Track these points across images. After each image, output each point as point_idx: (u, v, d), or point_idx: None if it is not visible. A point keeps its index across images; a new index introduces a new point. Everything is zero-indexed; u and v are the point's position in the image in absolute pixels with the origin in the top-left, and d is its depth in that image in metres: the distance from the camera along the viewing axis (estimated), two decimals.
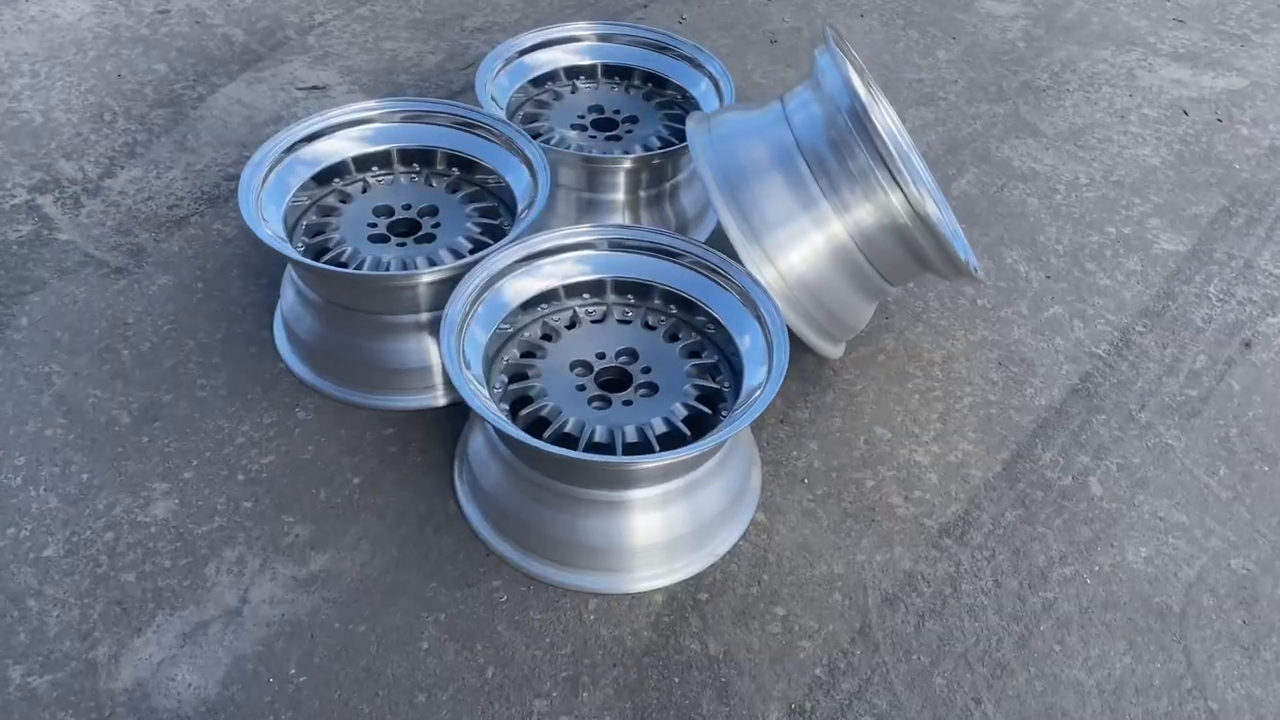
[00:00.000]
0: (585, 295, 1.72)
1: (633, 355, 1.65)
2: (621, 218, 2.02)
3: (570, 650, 1.46)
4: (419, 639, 1.47)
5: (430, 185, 1.93)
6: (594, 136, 2.09)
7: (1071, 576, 1.58)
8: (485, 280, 1.61)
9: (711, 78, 2.14)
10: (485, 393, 1.51)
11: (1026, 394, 1.87)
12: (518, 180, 1.85)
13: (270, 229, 1.69)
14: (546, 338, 1.68)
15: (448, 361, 1.46)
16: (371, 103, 1.92)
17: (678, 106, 2.17)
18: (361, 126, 1.91)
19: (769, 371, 1.51)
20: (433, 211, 1.86)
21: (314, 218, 1.85)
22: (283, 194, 1.81)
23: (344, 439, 1.72)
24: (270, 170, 1.79)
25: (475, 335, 1.58)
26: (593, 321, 1.71)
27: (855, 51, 1.91)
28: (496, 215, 1.88)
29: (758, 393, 1.48)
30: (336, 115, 1.89)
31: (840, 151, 1.58)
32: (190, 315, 1.92)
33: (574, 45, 2.21)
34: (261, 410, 1.76)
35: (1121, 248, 2.20)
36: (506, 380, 1.61)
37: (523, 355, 1.65)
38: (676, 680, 1.44)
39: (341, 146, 1.89)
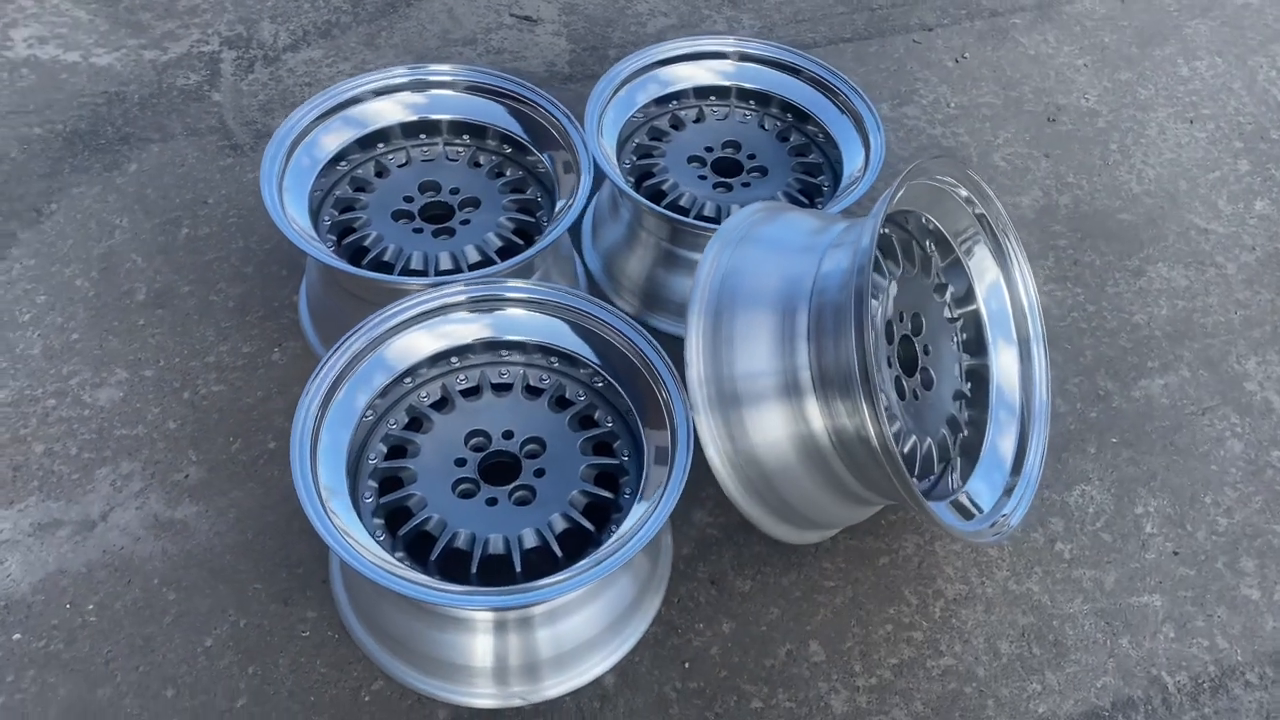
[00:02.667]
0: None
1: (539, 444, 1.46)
2: None
3: (326, 718, 1.36)
4: (207, 634, 1.42)
5: (477, 164, 1.81)
6: (705, 178, 1.82)
7: None
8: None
9: (858, 122, 1.80)
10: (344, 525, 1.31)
11: (1027, 691, 1.43)
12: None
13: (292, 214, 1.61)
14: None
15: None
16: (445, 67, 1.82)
17: (815, 150, 1.87)
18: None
19: (666, 481, 1.29)
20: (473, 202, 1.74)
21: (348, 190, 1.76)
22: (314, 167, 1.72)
23: (293, 396, 1.68)
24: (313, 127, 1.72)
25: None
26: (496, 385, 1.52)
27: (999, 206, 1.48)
28: (534, 210, 1.74)
29: (638, 532, 1.25)
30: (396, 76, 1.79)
31: (838, 323, 1.23)
32: (259, 217, 1.94)
33: (714, 63, 1.93)
34: (248, 337, 1.76)
35: None
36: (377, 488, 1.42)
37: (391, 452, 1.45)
38: None
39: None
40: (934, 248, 1.51)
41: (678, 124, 1.91)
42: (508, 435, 1.45)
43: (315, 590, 1.47)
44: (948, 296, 1.52)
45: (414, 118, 1.79)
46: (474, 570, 1.31)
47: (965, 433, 1.50)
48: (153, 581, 1.47)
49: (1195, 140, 2.26)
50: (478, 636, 1.35)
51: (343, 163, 1.75)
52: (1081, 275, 1.96)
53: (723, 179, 1.82)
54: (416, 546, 1.35)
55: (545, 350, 1.51)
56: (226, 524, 1.53)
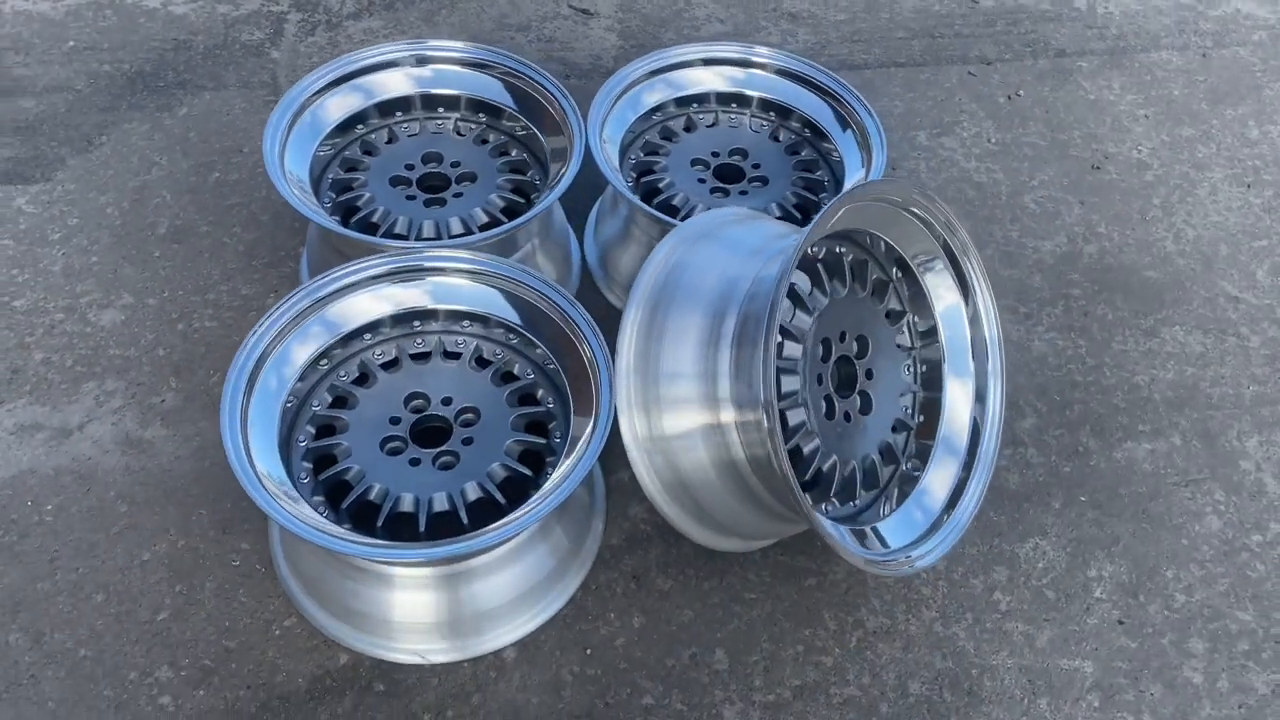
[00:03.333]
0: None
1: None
2: None
3: (233, 645, 1.42)
4: (145, 548, 1.51)
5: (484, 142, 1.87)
6: (704, 182, 1.83)
7: None
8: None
9: (863, 138, 1.79)
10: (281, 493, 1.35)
11: None
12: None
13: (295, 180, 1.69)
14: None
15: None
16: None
17: (823, 167, 1.86)
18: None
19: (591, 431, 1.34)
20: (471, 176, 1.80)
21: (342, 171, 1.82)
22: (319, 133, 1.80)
23: None
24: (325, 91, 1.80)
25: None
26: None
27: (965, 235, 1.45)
28: (528, 192, 1.80)
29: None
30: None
31: (755, 332, 1.22)
32: None
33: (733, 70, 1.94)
34: (249, 280, 1.85)
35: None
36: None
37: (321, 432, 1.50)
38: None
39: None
40: (900, 275, 1.49)
41: (690, 127, 1.92)
42: (446, 402, 1.49)
43: (254, 525, 1.54)
44: (905, 324, 1.50)
45: (429, 91, 1.86)
46: (380, 524, 1.36)
47: (905, 465, 1.48)
48: (109, 493, 1.56)
49: (1248, 205, 2.15)
50: (384, 590, 1.39)
51: (359, 126, 1.83)
52: (1089, 328, 1.89)
53: (721, 184, 1.82)
54: (335, 494, 1.41)
55: (506, 328, 1.55)
56: (189, 450, 1.62)
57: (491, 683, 1.41)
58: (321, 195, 1.73)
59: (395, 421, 1.47)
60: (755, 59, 1.94)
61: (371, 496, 1.40)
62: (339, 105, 1.79)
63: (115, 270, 1.85)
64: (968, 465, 1.46)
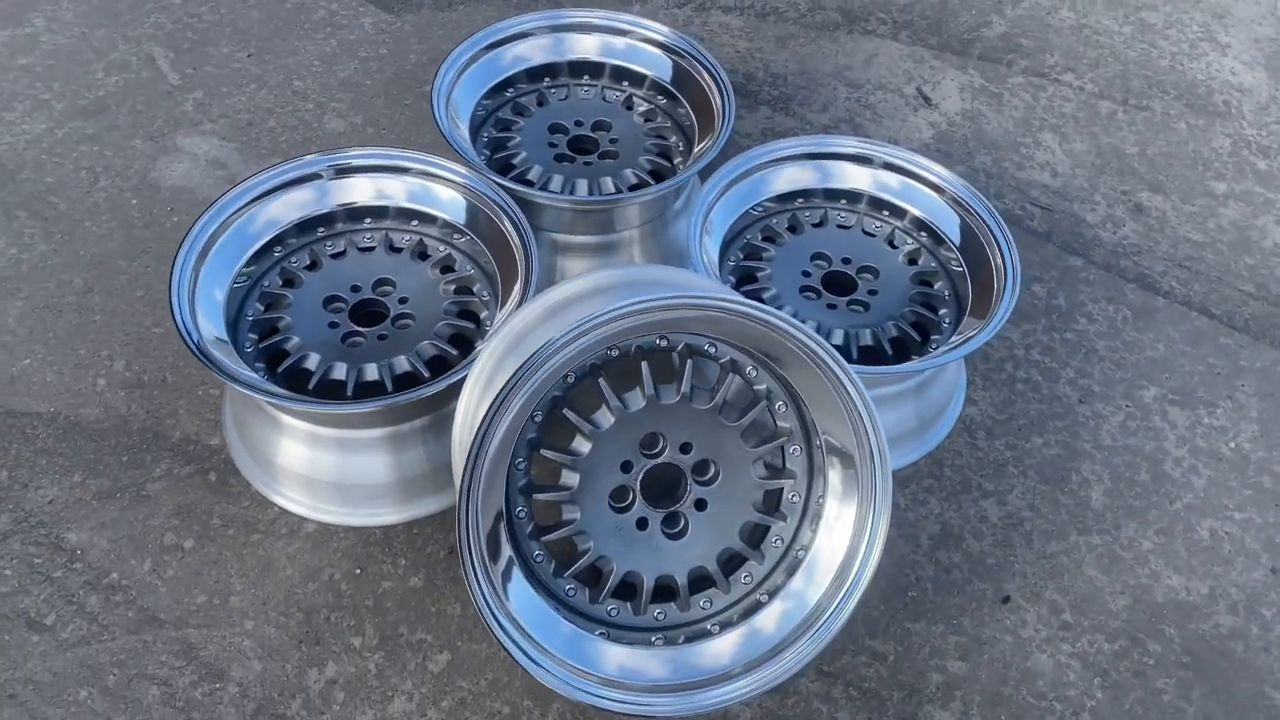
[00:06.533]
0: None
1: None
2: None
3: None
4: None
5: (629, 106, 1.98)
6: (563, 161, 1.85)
7: None
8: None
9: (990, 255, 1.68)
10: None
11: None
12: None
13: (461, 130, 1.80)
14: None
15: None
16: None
17: (942, 278, 1.74)
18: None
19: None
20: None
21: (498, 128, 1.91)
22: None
23: None
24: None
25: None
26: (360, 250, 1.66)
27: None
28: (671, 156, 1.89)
29: None
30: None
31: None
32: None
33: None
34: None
35: None
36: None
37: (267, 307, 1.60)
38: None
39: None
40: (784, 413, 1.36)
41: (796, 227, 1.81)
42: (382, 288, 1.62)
43: None
44: (762, 452, 1.36)
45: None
46: (310, 388, 1.48)
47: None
48: None
49: None
50: (283, 439, 1.53)
51: (509, 90, 1.94)
52: None
53: (831, 296, 1.69)
54: (274, 361, 1.53)
55: (452, 227, 1.68)
56: None
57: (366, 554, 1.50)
58: (479, 150, 1.83)
59: (337, 302, 1.59)
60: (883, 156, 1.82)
61: (306, 364, 1.50)
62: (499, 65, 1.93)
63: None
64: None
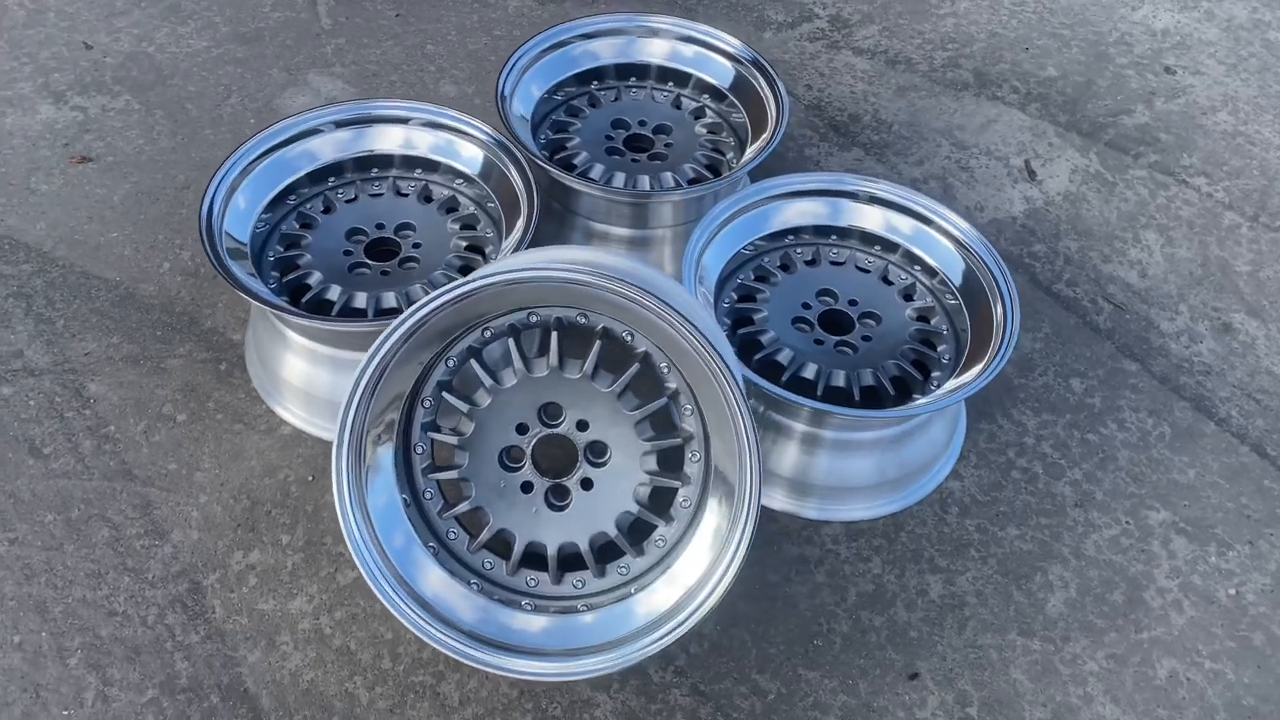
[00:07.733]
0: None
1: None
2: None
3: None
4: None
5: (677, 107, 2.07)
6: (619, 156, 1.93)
7: None
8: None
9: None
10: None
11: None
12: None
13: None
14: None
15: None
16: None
17: (938, 314, 1.74)
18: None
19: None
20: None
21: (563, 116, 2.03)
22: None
23: None
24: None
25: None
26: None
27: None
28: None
29: None
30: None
31: None
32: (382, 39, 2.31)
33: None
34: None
35: None
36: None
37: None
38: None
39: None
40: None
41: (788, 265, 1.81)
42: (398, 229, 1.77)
43: None
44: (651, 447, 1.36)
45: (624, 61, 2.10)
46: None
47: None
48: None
49: None
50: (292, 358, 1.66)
51: (560, 93, 2.04)
52: None
53: (829, 333, 1.69)
54: (297, 295, 1.67)
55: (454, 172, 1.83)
56: None
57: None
58: (537, 137, 1.95)
59: (358, 235, 1.76)
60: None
61: (328, 295, 1.63)
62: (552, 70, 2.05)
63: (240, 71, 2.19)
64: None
